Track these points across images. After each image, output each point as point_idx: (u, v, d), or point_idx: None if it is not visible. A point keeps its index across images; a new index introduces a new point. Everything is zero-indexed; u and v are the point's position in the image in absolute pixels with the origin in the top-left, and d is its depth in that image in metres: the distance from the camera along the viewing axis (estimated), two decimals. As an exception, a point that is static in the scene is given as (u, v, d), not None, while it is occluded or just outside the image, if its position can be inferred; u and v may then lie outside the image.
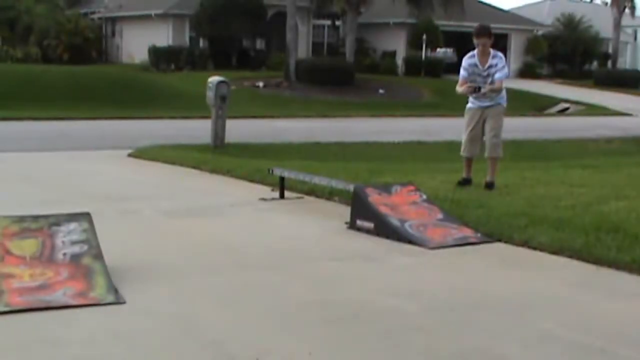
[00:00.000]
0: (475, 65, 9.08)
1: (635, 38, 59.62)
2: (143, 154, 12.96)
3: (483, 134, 9.27)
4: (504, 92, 9.23)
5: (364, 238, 6.98)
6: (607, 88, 41.03)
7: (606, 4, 57.94)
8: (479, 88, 9.01)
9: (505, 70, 9.11)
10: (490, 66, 9.01)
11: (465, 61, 9.17)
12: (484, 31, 9.07)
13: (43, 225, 5.49)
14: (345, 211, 7.66)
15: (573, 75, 46.38)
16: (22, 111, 22.52)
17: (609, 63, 48.56)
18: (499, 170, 9.62)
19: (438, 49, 44.16)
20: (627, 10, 47.75)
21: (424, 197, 7.66)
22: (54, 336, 4.39)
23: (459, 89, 9.17)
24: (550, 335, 4.58)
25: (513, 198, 8.60)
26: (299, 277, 5.75)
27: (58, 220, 5.57)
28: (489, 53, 9.05)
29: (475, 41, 9.08)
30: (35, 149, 14.01)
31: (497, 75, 9.00)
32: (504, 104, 9.28)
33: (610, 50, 49.05)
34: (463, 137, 9.42)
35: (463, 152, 9.41)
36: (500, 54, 9.14)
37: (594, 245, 6.41)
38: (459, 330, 4.64)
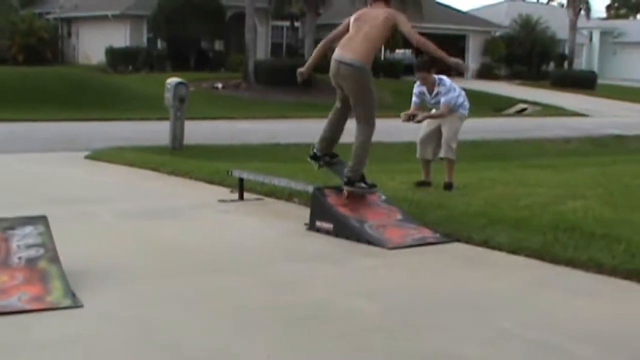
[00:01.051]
0: (424, 93, 9.33)
1: (591, 39, 60.48)
2: (100, 156, 12.81)
3: (440, 137, 9.38)
4: (463, 102, 9.33)
5: (324, 239, 6.98)
6: (563, 89, 41.52)
7: (562, 5, 58.68)
8: (414, 116, 9.23)
9: (451, 94, 9.21)
10: (438, 93, 9.23)
11: (416, 89, 9.41)
12: (421, 66, 9.30)
13: (-2, 228, 5.40)
14: (305, 212, 7.65)
15: (530, 76, 46.91)
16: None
17: (566, 64, 49.17)
18: (458, 171, 9.69)
19: (397, 50, 44.32)
20: (582, 12, 48.40)
21: (383, 197, 7.68)
22: (10, 342, 4.32)
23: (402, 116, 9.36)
24: (509, 334, 4.61)
25: (472, 198, 8.66)
26: (258, 278, 5.73)
27: (13, 223, 5.48)
28: (433, 82, 9.23)
29: (415, 75, 9.41)
30: (-10, 152, 13.80)
31: (441, 100, 9.20)
32: (463, 111, 9.36)
33: (566, 52, 49.66)
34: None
35: (417, 155, 9.59)
36: (444, 79, 9.29)
37: (551, 245, 6.47)
38: (418, 331, 4.65)
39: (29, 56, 40.48)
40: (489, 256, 6.51)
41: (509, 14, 52.42)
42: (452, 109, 9.22)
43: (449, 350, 4.35)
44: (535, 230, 6.91)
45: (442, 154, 9.38)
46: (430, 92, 9.24)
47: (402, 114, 9.23)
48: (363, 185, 7.43)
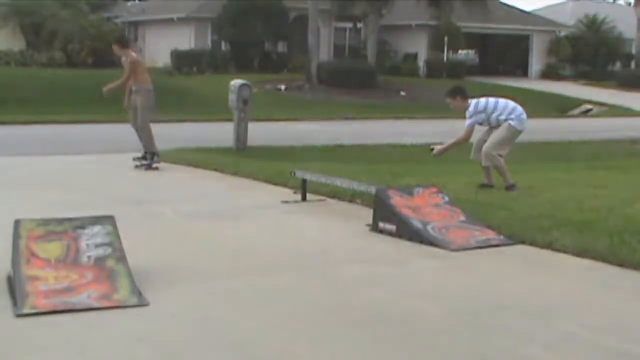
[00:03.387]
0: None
1: (659, 38, 59.08)
2: (165, 157, 12.98)
3: None
4: (513, 111, 9.32)
5: (386, 240, 6.98)
6: (630, 89, 40.64)
7: (629, 4, 57.53)
8: (433, 149, 9.61)
9: (474, 118, 9.29)
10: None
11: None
12: (446, 93, 9.57)
13: (67, 228, 5.53)
14: (367, 213, 7.66)
15: (596, 76, 46.00)
16: (46, 115, 22.66)
17: (633, 64, 48.18)
18: (522, 172, 9.61)
19: (460, 51, 44.01)
20: (650, 11, 47.36)
21: (447, 199, 7.64)
22: (78, 339, 4.42)
23: None
24: (574, 338, 4.55)
25: (536, 200, 8.57)
26: (321, 279, 5.76)
27: (82, 223, 5.61)
28: (459, 106, 9.39)
29: None
30: (59, 152, 14.10)
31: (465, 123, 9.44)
32: (512, 123, 9.26)
33: (633, 51, 48.65)
34: None
35: (470, 157, 9.62)
36: (473, 102, 9.36)
37: (618, 248, 6.36)
38: (481, 333, 4.62)
39: (98, 59, 41.22)
40: (554, 259, 6.43)
41: (574, 14, 51.57)
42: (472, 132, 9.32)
43: (513, 353, 4.32)
44: (602, 233, 6.80)
45: (482, 162, 9.39)
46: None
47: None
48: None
